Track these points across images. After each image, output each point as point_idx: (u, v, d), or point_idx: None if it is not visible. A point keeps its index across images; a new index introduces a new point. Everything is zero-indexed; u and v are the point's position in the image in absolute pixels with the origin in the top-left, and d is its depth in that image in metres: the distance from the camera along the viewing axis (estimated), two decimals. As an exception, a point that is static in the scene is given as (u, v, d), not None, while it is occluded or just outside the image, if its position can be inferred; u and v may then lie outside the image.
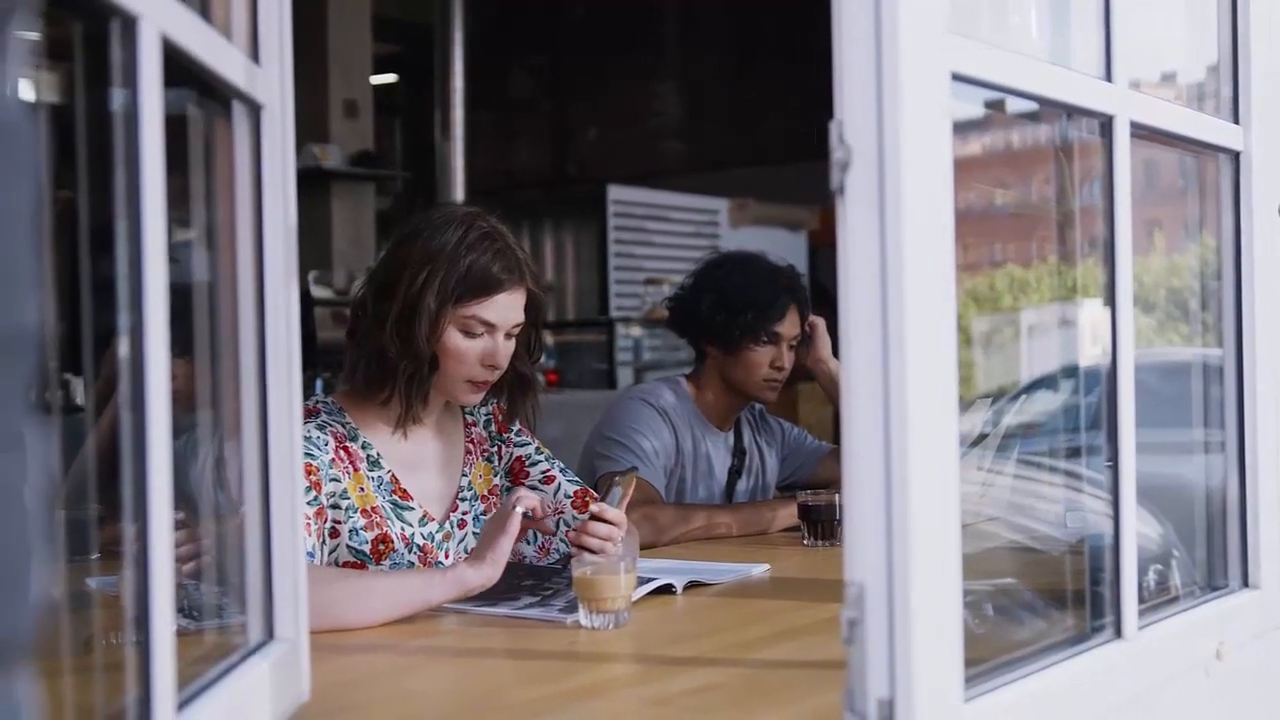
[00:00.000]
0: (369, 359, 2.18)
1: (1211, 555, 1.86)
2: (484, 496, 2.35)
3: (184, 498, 1.22)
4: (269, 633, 1.37)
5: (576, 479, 2.42)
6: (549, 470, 2.40)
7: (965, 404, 1.28)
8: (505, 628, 1.91)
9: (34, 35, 0.58)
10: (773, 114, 9.26)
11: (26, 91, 0.57)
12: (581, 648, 1.78)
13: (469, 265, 2.15)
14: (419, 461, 2.27)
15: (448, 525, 2.28)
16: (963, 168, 1.24)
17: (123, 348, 1.00)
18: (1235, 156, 1.81)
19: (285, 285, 1.37)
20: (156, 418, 1.00)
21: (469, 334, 2.17)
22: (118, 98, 1.00)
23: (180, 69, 1.11)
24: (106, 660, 1.33)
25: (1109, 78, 1.51)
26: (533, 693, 1.57)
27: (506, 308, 2.19)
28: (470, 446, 2.36)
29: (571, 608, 1.91)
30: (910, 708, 1.15)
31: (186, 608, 1.38)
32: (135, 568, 1.00)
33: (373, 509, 2.17)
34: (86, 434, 1.70)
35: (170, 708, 1.02)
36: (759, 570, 2.35)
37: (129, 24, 0.98)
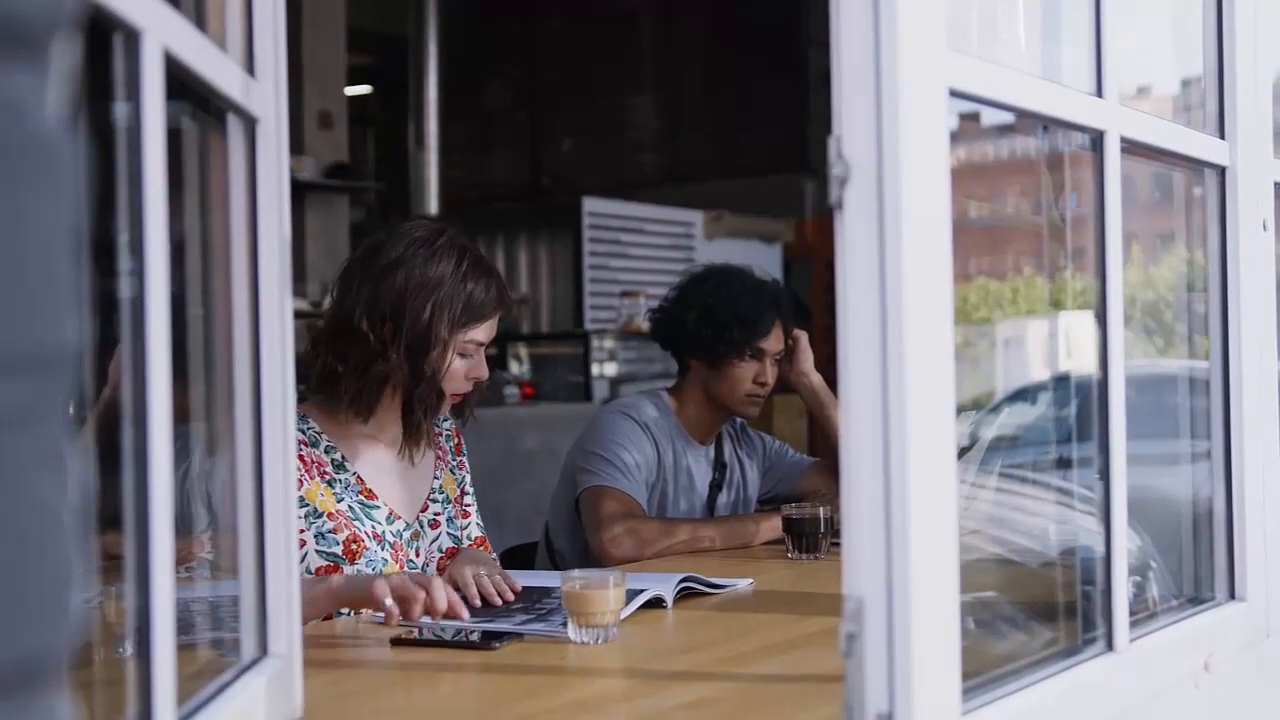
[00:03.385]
0: (374, 384, 2.25)
1: (1198, 567, 1.87)
2: (454, 501, 2.45)
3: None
4: (263, 649, 1.36)
5: (482, 525, 2.51)
6: (469, 506, 2.52)
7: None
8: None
9: (70, 50, 0.58)
10: (748, 127, 9.29)
11: (66, 107, 0.57)
12: (572, 662, 1.78)
13: (470, 294, 2.26)
14: (388, 465, 2.34)
15: (417, 525, 2.35)
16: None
17: (123, 362, 0.99)
18: (1221, 171, 1.82)
19: (280, 298, 1.37)
20: (158, 431, 1.00)
21: (463, 355, 2.29)
22: (119, 111, 1.00)
23: (176, 81, 1.10)
24: (97, 676, 1.32)
25: (1100, 93, 1.52)
26: (525, 708, 1.56)
27: (494, 326, 2.34)
28: (439, 453, 2.45)
29: None
30: (909, 721, 1.15)
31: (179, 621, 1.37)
32: (136, 584, 0.99)
33: (338, 512, 2.23)
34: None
35: (171, 725, 1.01)
36: (744, 584, 2.35)
37: (132, 38, 0.98)
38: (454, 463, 2.49)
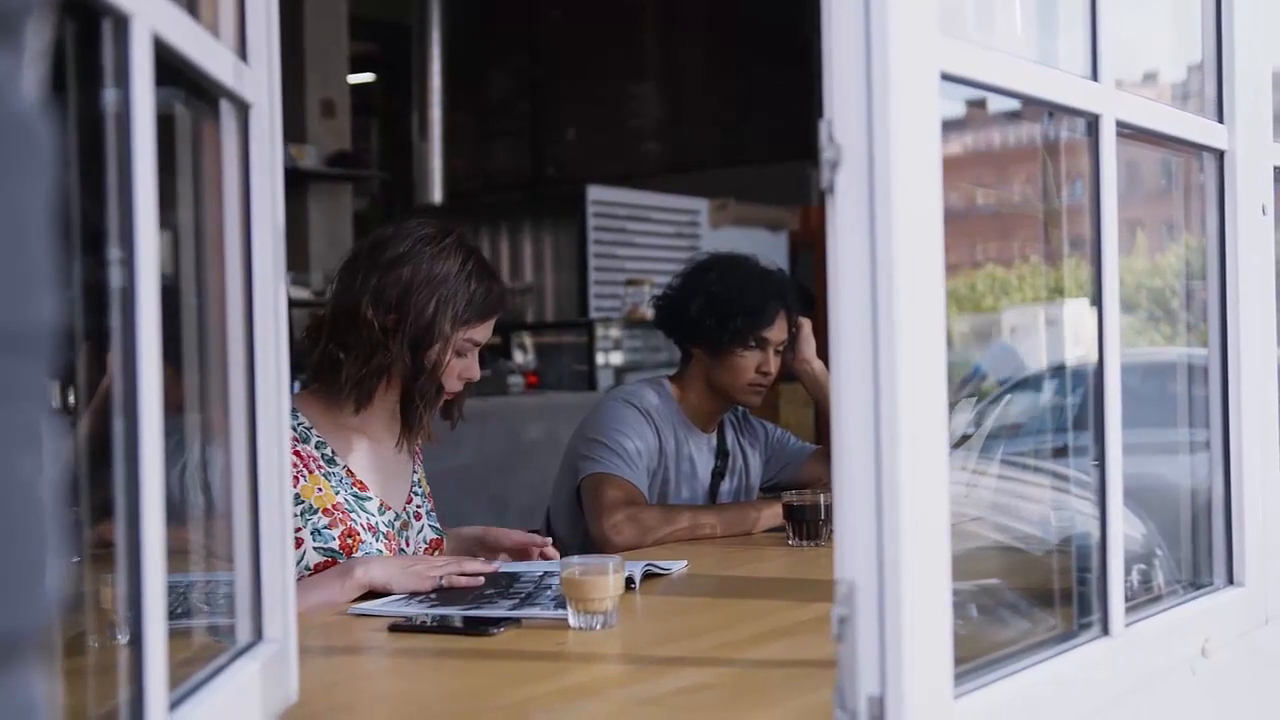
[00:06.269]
0: (375, 374, 2.28)
1: (1196, 553, 1.87)
2: (429, 495, 2.49)
3: (168, 499, 1.22)
4: (257, 634, 1.37)
5: (437, 526, 2.50)
6: (429, 507, 2.52)
7: (948, 404, 1.28)
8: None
9: (44, 31, 0.58)
10: (752, 114, 9.28)
11: (42, 90, 0.57)
12: (570, 648, 1.78)
13: (473, 293, 2.30)
14: (373, 457, 2.37)
15: (405, 515, 2.39)
16: (944, 167, 1.24)
17: (114, 351, 0.99)
18: (1220, 155, 1.82)
19: (273, 285, 1.37)
20: (149, 418, 1.00)
21: (459, 354, 2.32)
22: (109, 97, 1.00)
23: (168, 67, 1.10)
24: (93, 663, 1.32)
25: (1095, 77, 1.52)
26: (522, 693, 1.57)
27: (491, 328, 2.37)
28: (416, 450, 2.49)
29: (563, 603, 1.91)
30: (901, 704, 1.15)
31: (172, 608, 1.37)
32: (128, 570, 0.99)
33: (334, 506, 2.26)
34: (66, 437, 1.70)
35: (162, 708, 1.02)
36: (678, 567, 2.36)
37: (121, 23, 0.98)
38: (422, 460, 2.54)
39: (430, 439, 2.46)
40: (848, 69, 1.17)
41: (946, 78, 1.24)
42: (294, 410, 2.28)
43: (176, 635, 1.28)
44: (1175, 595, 1.79)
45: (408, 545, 2.37)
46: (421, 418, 2.33)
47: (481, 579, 2.15)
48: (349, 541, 2.24)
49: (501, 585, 2.14)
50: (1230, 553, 1.83)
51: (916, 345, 1.18)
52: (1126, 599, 1.56)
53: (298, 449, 2.25)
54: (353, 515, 2.26)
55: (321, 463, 2.28)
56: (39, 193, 0.55)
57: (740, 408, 3.19)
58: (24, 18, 0.54)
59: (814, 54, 1.19)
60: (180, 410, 1.36)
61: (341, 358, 2.27)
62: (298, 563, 2.18)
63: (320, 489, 2.25)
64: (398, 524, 2.36)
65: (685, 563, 2.41)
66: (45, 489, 0.55)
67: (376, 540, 2.28)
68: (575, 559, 1.95)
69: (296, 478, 2.21)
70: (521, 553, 2.43)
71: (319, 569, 2.20)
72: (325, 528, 2.23)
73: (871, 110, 1.16)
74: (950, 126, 1.37)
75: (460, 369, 2.33)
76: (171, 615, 1.13)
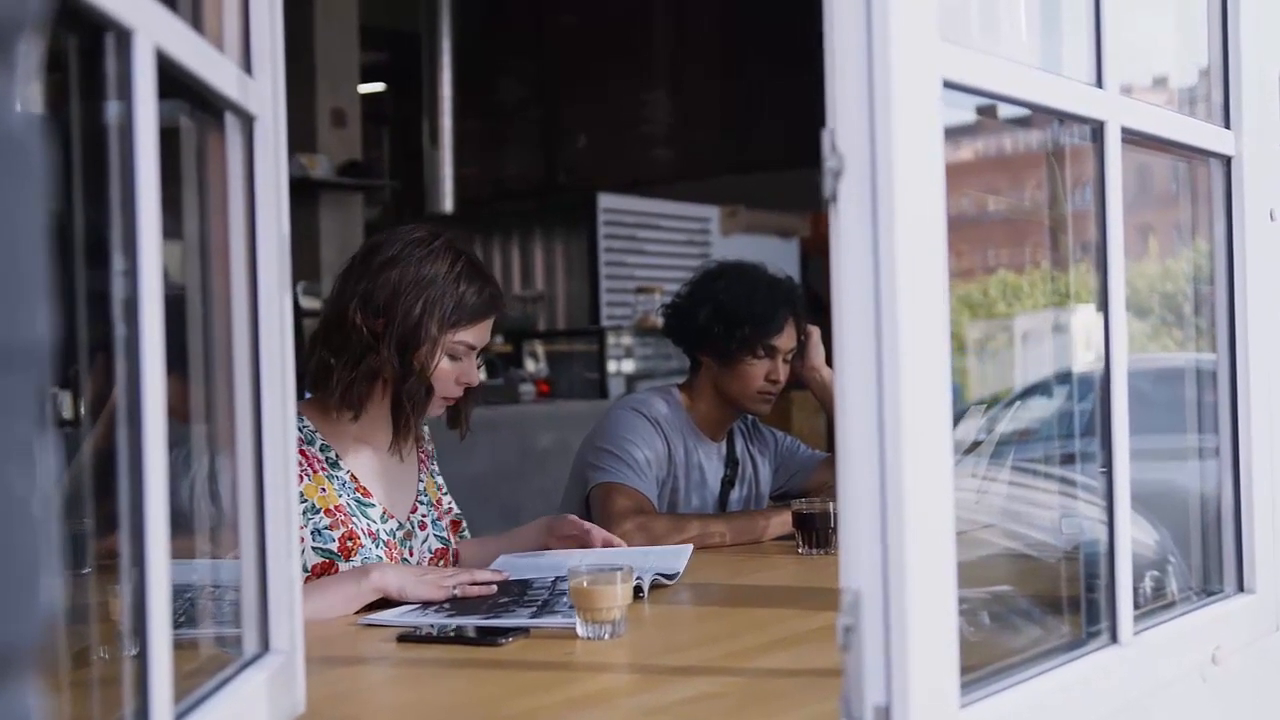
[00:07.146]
0: (364, 378, 2.28)
1: (1206, 560, 1.87)
2: (435, 504, 2.48)
3: (177, 512, 1.22)
4: (264, 645, 1.37)
5: (444, 537, 2.48)
6: (446, 498, 2.54)
7: (959, 411, 1.28)
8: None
9: (37, 48, 0.58)
10: (763, 121, 9.27)
11: (34, 104, 0.57)
12: (578, 658, 1.78)
13: (462, 295, 2.29)
14: (378, 465, 2.37)
15: (409, 524, 2.39)
16: (954, 173, 1.24)
17: (118, 362, 1.00)
18: (1227, 161, 1.81)
19: (279, 296, 1.37)
20: (153, 430, 1.00)
21: (453, 357, 2.32)
22: (112, 110, 1.00)
23: (172, 80, 1.11)
24: (101, 674, 1.33)
25: (1100, 84, 1.52)
26: (529, 703, 1.56)
27: (487, 331, 2.36)
28: (422, 458, 2.49)
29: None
30: (906, 714, 1.15)
31: (179, 618, 1.37)
32: (133, 581, 1.00)
33: (336, 508, 2.26)
34: (75, 448, 1.70)
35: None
36: (685, 553, 2.39)
37: (124, 37, 0.98)
38: (433, 467, 2.53)
39: (420, 440, 2.46)
40: (849, 77, 1.17)
41: (949, 85, 1.24)
42: (299, 414, 2.29)
43: (183, 646, 1.28)
44: (1186, 603, 1.78)
45: (411, 555, 2.37)
46: (410, 421, 2.32)
47: (494, 588, 2.15)
48: (348, 544, 2.24)
49: (515, 594, 2.13)
50: (1240, 559, 1.82)
51: (920, 353, 1.17)
52: (1138, 606, 1.56)
53: (303, 449, 2.25)
54: (354, 519, 2.26)
55: (325, 465, 2.29)
56: (33, 208, 0.55)
57: (750, 416, 3.19)
58: (17, 34, 0.54)
59: (821, 60, 1.18)
60: (188, 422, 1.37)
61: (332, 363, 2.27)
62: None
63: (324, 489, 2.26)
64: (400, 533, 2.36)
65: (690, 547, 2.43)
66: (39, 504, 0.55)
67: (376, 546, 2.28)
68: (583, 568, 1.95)
69: (300, 476, 2.21)
70: (582, 541, 2.45)
71: (317, 570, 2.20)
72: (326, 528, 2.23)
73: (874, 119, 1.16)
74: (961, 132, 1.37)
75: (457, 373, 2.32)
76: (177, 624, 1.14)
